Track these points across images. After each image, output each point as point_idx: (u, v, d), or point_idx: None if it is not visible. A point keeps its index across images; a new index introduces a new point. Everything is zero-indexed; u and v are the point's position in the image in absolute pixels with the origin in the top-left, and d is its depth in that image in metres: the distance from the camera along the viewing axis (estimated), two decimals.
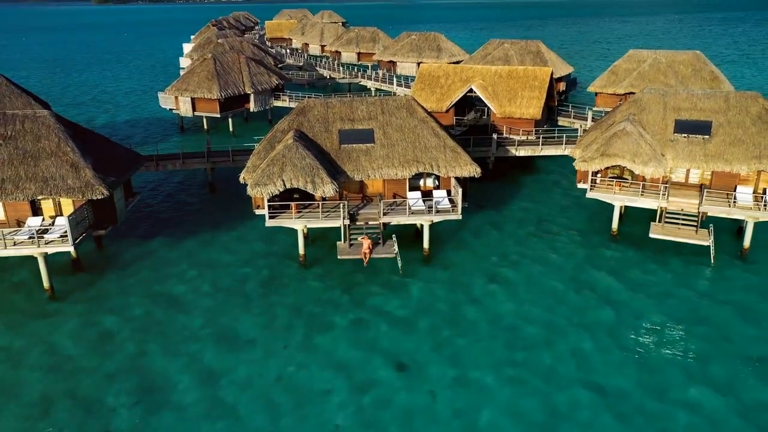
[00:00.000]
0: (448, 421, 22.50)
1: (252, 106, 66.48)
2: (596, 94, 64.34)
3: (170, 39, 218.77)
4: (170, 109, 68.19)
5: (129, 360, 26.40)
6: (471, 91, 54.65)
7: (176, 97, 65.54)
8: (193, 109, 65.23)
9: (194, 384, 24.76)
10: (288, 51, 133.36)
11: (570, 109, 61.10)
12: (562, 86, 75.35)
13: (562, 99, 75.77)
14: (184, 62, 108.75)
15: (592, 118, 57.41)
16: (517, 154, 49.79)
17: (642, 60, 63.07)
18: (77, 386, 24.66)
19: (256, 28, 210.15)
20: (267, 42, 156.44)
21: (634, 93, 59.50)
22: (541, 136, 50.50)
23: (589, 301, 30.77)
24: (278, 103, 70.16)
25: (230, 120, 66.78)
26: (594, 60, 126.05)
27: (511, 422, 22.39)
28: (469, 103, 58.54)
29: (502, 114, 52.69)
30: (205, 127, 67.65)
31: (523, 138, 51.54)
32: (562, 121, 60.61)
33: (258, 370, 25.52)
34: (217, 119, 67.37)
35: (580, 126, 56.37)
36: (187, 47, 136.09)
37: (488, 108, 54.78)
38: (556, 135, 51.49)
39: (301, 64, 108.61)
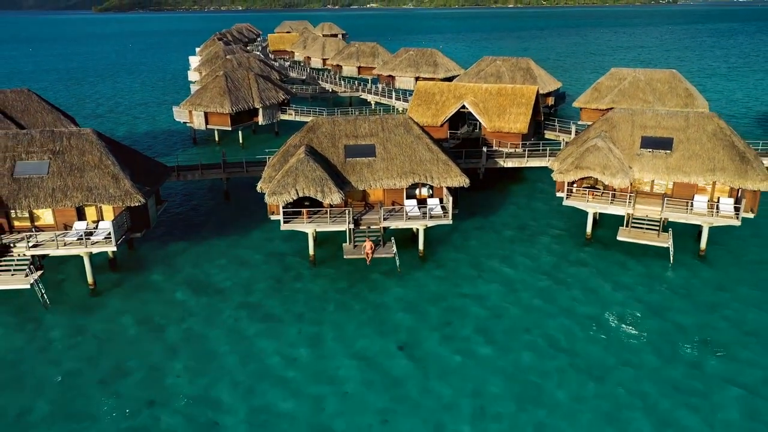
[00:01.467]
0: (440, 385, 27.16)
1: (261, 120, 71.35)
2: (581, 109, 69.31)
3: (175, 50, 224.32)
4: (184, 122, 73.09)
5: (176, 336, 31.09)
6: (464, 107, 59.55)
7: (190, 111, 70.45)
8: (206, 123, 70.11)
9: (237, 355, 29.47)
10: (290, 64, 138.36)
11: (556, 124, 66.05)
12: (551, 101, 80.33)
13: (551, 112, 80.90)
14: (193, 76, 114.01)
15: (576, 131, 62.27)
16: (505, 166, 54.69)
17: (623, 78, 68.06)
18: (135, 357, 29.34)
19: (258, 39, 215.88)
20: (270, 54, 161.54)
21: (614, 108, 64.78)
22: (527, 149, 55.36)
23: (563, 293, 35.53)
24: (285, 117, 75.07)
25: (240, 132, 71.67)
26: (589, 72, 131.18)
27: (489, 379, 27.04)
28: (462, 117, 63.39)
29: (492, 128, 57.58)
30: (217, 139, 72.53)
31: (511, 150, 56.42)
32: (549, 135, 65.49)
33: (285, 349, 30.22)
34: (228, 132, 72.21)
35: (563, 140, 61.26)
36: (193, 60, 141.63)
37: (479, 123, 59.66)
38: (540, 148, 56.34)
39: (304, 77, 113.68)
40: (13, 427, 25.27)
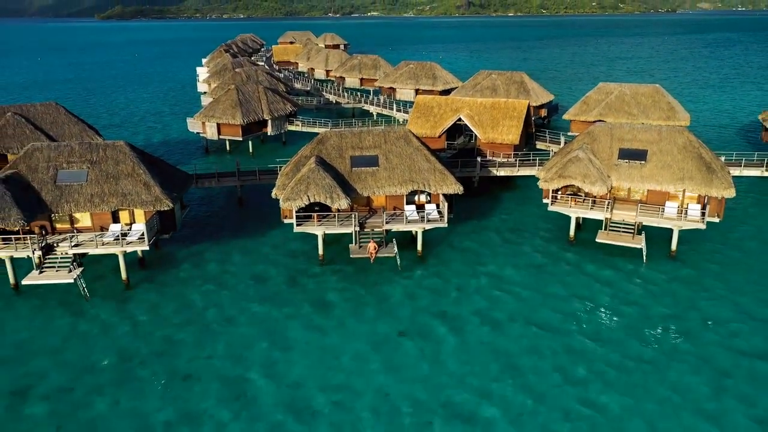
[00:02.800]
0: (437, 362, 31.47)
1: (269, 130, 75.89)
2: (571, 121, 73.84)
3: (181, 59, 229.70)
4: (197, 133, 77.66)
5: (206, 322, 35.44)
6: (460, 119, 64.04)
7: (203, 123, 75.04)
8: (218, 133, 74.69)
9: (260, 334, 33.82)
10: (294, 74, 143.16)
11: (546, 135, 70.57)
12: (543, 112, 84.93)
13: (545, 124, 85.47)
14: (202, 87, 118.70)
15: (565, 142, 66.71)
16: (498, 174, 59.13)
17: (609, 92, 72.65)
18: (171, 341, 33.69)
19: (262, 50, 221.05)
20: (274, 65, 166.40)
21: (602, 120, 69.44)
22: (518, 159, 59.82)
23: (546, 287, 39.91)
24: (292, 128, 79.62)
25: (250, 142, 76.20)
26: (586, 84, 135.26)
27: (477, 357, 31.34)
28: (458, 129, 67.86)
29: (486, 139, 62.06)
30: (228, 148, 77.08)
31: (504, 160, 60.86)
32: (540, 145, 69.98)
33: (301, 332, 34.59)
34: (239, 141, 76.69)
35: (552, 150, 65.72)
36: (201, 71, 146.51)
37: (475, 134, 64.15)
38: (531, 158, 60.77)
39: (309, 88, 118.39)
40: (75, 394, 29.59)
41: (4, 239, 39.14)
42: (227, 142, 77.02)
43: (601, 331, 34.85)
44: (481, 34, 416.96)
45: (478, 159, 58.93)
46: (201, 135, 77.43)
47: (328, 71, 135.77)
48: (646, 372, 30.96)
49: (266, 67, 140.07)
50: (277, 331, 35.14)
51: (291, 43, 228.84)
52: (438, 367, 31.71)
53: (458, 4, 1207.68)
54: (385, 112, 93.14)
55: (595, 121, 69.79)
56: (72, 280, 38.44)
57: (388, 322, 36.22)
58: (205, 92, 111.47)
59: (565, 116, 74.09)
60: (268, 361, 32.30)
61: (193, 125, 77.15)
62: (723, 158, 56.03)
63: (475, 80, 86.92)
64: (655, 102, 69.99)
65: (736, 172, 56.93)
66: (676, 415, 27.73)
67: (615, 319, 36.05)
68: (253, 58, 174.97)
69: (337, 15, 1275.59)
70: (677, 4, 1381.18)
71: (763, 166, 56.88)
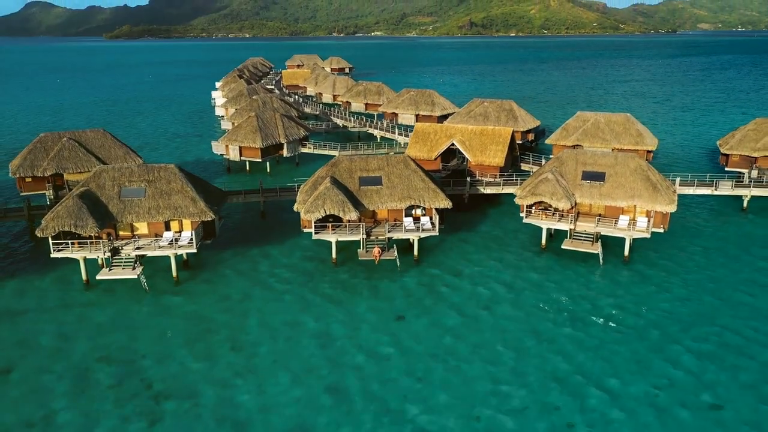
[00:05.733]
0: (429, 346, 40.58)
1: (285, 153, 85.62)
2: (553, 145, 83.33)
3: (194, 81, 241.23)
4: (221, 155, 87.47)
5: (244, 311, 44.63)
6: (453, 144, 73.61)
7: (227, 146, 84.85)
8: (240, 155, 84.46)
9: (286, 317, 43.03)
10: (303, 99, 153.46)
11: (530, 157, 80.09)
12: (531, 136, 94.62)
13: (532, 147, 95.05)
14: (219, 111, 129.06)
15: None
16: (485, 192, 68.51)
17: (586, 120, 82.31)
18: (218, 326, 42.87)
19: (271, 73, 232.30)
20: (284, 88, 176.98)
21: (580, 145, 79.04)
22: (502, 179, 69.25)
23: (520, 284, 49.05)
24: (305, 150, 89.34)
25: (267, 163, 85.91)
26: (584, 107, 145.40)
27: (459, 335, 40.39)
28: (452, 153, 77.39)
29: (475, 162, 71.54)
30: (248, 168, 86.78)
31: (490, 179, 70.29)
32: (525, 167, 79.47)
33: (319, 318, 43.80)
34: (257, 162, 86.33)
35: (533, 172, 75.09)
36: (216, 94, 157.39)
37: (466, 157, 73.63)
38: (514, 178, 70.15)
39: (318, 113, 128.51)
40: (146, 360, 38.77)
41: (79, 243, 48.56)
42: (247, 163, 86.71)
43: (558, 317, 43.98)
44: (483, 57, 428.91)
45: (468, 179, 68.41)
46: (224, 156, 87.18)
47: (335, 96, 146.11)
48: (594, 341, 40.06)
49: (277, 91, 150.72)
50: (302, 311, 44.44)
51: (299, 66, 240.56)
52: (423, 337, 40.84)
53: (460, 25, 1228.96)
54: (388, 135, 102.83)
55: (573, 146, 79.63)
56: (135, 276, 47.80)
57: (389, 308, 45.39)
58: (223, 116, 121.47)
59: (548, 141, 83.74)
60: (286, 333, 41.55)
61: (218, 147, 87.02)
62: (678, 179, 65.89)
63: (469, 107, 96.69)
64: (626, 129, 79.62)
65: (690, 190, 66.42)
66: (614, 369, 36.83)
67: (571, 307, 45.19)
68: (262, 82, 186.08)
69: (341, 35, 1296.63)
70: (678, 24, 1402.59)
71: (712, 186, 66.14)
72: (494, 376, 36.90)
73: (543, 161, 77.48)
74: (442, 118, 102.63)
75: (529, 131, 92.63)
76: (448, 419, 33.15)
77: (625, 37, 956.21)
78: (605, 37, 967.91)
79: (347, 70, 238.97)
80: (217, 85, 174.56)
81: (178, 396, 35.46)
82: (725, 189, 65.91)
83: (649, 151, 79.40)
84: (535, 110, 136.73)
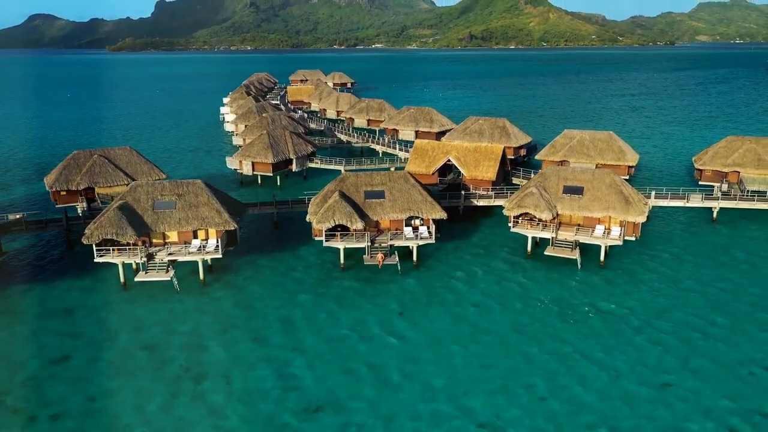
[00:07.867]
0: (426, 340, 47.09)
1: (294, 167, 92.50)
2: (542, 160, 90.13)
3: (202, 95, 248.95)
4: (234, 169, 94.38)
5: (263, 308, 51.16)
6: (449, 160, 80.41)
7: (241, 161, 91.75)
8: (253, 170, 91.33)
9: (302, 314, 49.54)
10: (307, 114, 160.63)
11: (520, 172, 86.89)
12: (523, 152, 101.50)
13: (525, 162, 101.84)
14: (229, 127, 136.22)
15: None
16: (478, 204, 75.24)
17: (573, 137, 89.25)
18: (239, 324, 49.39)
19: (276, 89, 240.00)
20: (289, 104, 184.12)
21: (567, 161, 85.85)
22: (494, 192, 76.00)
23: (508, 286, 55.66)
24: (312, 165, 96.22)
25: (278, 177, 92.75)
26: (581, 122, 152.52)
27: (453, 329, 46.86)
28: (449, 168, 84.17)
29: (470, 176, 78.32)
30: (259, 182, 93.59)
31: (483, 193, 77.02)
32: (516, 181, 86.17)
33: (332, 314, 50.35)
34: (268, 176, 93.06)
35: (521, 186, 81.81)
36: (224, 110, 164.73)
37: (461, 172, 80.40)
38: (505, 191, 76.87)
39: (322, 128, 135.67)
40: (182, 349, 45.28)
41: (119, 249, 55.24)
42: (259, 177, 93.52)
43: (536, 313, 50.57)
44: (483, 71, 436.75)
45: (462, 192, 75.17)
46: (237, 171, 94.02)
47: (338, 112, 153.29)
48: (570, 335, 46.65)
49: (282, 107, 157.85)
50: (314, 308, 51.04)
51: (302, 81, 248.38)
52: (420, 329, 47.40)
53: (460, 37, 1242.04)
54: (390, 150, 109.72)
55: (561, 161, 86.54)
56: (169, 279, 54.44)
57: (391, 306, 51.98)
58: (233, 132, 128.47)
59: (537, 157, 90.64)
60: (300, 327, 48.15)
61: (232, 162, 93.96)
62: (654, 192, 72.60)
63: (465, 125, 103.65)
64: (609, 146, 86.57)
65: (664, 203, 73.15)
66: (576, 362, 43.33)
67: (550, 306, 51.78)
68: (268, 97, 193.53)
69: (342, 47, 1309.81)
70: (676, 36, 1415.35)
71: (684, 199, 72.83)
72: (482, 362, 43.43)
73: (532, 175, 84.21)
74: (441, 134, 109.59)
75: (521, 147, 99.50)
76: (441, 403, 39.69)
77: (624, 50, 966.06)
78: (604, 50, 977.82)
79: (349, 85, 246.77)
80: (225, 100, 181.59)
81: (213, 377, 42.01)
82: (696, 201, 72.65)
83: (630, 166, 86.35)
84: (532, 125, 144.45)
